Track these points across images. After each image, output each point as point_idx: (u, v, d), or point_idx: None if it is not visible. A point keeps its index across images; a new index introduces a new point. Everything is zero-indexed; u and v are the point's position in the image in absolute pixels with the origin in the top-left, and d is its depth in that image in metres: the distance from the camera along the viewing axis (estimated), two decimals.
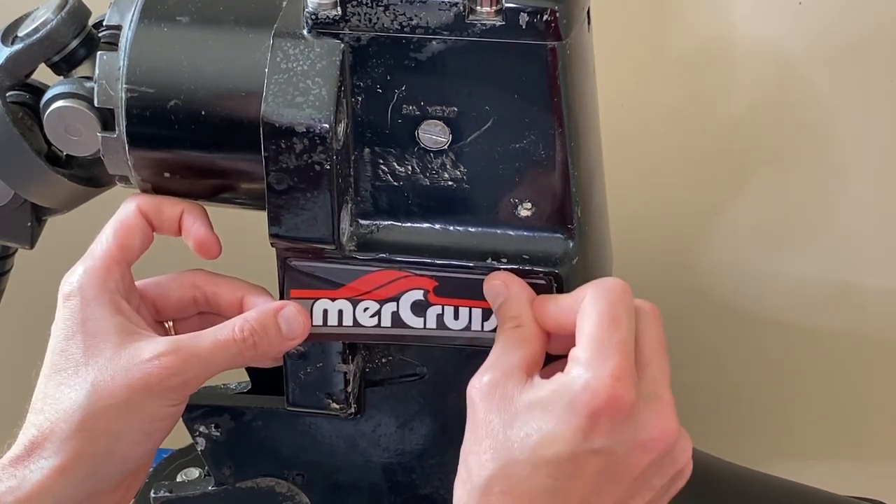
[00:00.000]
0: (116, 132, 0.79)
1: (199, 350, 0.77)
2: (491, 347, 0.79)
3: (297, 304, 0.79)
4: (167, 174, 0.80)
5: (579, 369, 0.72)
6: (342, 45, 0.76)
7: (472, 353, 0.80)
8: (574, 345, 0.73)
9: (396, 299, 0.79)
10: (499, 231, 0.79)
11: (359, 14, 0.75)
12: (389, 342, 0.82)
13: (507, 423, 0.72)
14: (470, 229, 0.79)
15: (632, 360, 0.72)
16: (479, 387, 0.74)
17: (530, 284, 0.78)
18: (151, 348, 0.76)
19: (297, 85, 0.75)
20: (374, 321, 0.80)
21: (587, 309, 0.74)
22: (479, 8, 0.74)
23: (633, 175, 1.14)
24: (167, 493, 0.89)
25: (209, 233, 0.80)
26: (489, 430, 0.73)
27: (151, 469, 0.90)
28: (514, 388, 0.73)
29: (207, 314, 0.83)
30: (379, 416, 0.86)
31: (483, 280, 0.78)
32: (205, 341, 0.77)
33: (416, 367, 0.84)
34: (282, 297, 0.80)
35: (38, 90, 0.82)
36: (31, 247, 0.86)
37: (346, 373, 0.83)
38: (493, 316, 0.79)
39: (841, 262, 1.17)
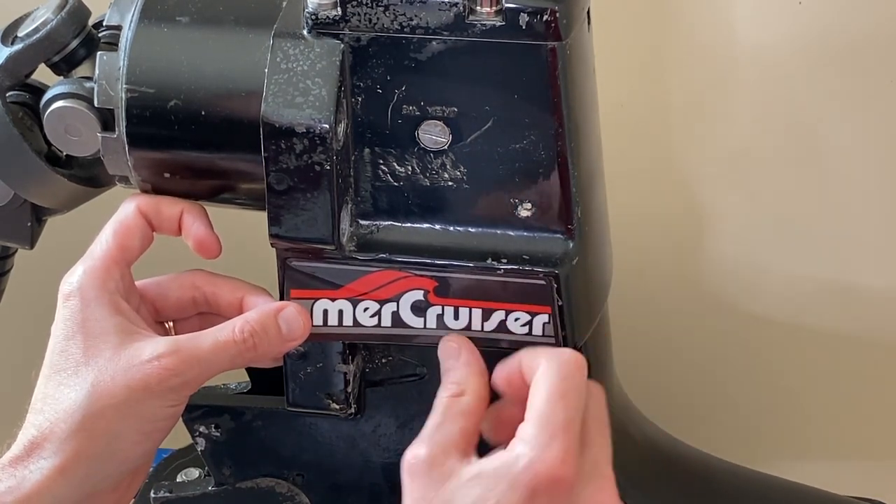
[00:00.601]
0: (116, 132, 0.79)
1: (199, 351, 0.77)
2: (490, 347, 0.79)
3: (298, 304, 0.79)
4: (167, 174, 0.80)
5: (524, 447, 0.71)
6: (342, 46, 0.76)
7: None
8: (513, 435, 0.72)
9: (396, 299, 0.79)
10: (499, 231, 0.79)
11: (359, 14, 0.75)
12: (389, 342, 0.81)
13: (446, 501, 0.71)
14: (470, 229, 0.79)
15: (577, 440, 0.72)
16: (415, 463, 0.72)
17: (530, 285, 0.78)
18: (151, 349, 0.76)
19: (297, 85, 0.75)
20: (374, 321, 0.80)
21: (539, 382, 0.73)
22: (479, 8, 0.74)
23: (633, 175, 1.14)
24: (167, 493, 0.89)
25: (209, 232, 0.80)
26: None
27: (151, 469, 0.90)
28: (454, 465, 0.72)
29: (207, 314, 0.83)
30: (379, 416, 0.86)
31: (483, 280, 0.78)
32: (205, 342, 0.77)
33: (416, 367, 0.84)
34: (282, 298, 0.80)
35: (38, 90, 0.82)
36: (31, 247, 0.86)
37: (346, 373, 0.83)
38: (493, 316, 0.79)
39: (841, 262, 1.17)
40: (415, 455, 0.73)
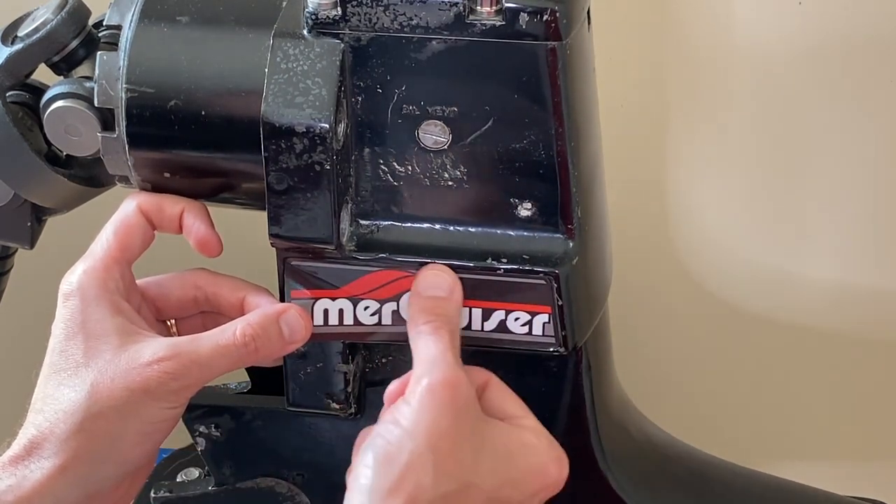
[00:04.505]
0: (116, 132, 0.79)
1: (199, 355, 0.76)
2: (490, 347, 0.79)
3: (299, 307, 0.79)
4: (167, 174, 0.80)
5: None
6: (342, 45, 0.76)
7: (472, 353, 0.80)
8: None
9: (397, 299, 0.79)
10: (499, 231, 0.79)
11: (359, 14, 0.75)
12: (390, 342, 0.81)
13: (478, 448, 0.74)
14: (470, 229, 0.79)
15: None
16: (458, 392, 0.73)
17: (530, 284, 0.78)
18: (151, 351, 0.76)
19: (297, 85, 0.75)
20: (375, 321, 0.80)
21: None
22: (479, 8, 0.74)
23: (633, 175, 1.14)
24: (167, 493, 0.89)
25: (210, 231, 0.80)
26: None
27: None
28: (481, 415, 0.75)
29: (210, 313, 0.83)
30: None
31: (483, 280, 0.78)
32: (205, 345, 0.77)
33: None
34: (282, 298, 0.80)
35: (38, 90, 0.82)
36: (31, 247, 0.86)
37: (346, 373, 0.83)
38: (493, 315, 0.79)
39: (842, 261, 1.17)
40: (457, 381, 0.73)
